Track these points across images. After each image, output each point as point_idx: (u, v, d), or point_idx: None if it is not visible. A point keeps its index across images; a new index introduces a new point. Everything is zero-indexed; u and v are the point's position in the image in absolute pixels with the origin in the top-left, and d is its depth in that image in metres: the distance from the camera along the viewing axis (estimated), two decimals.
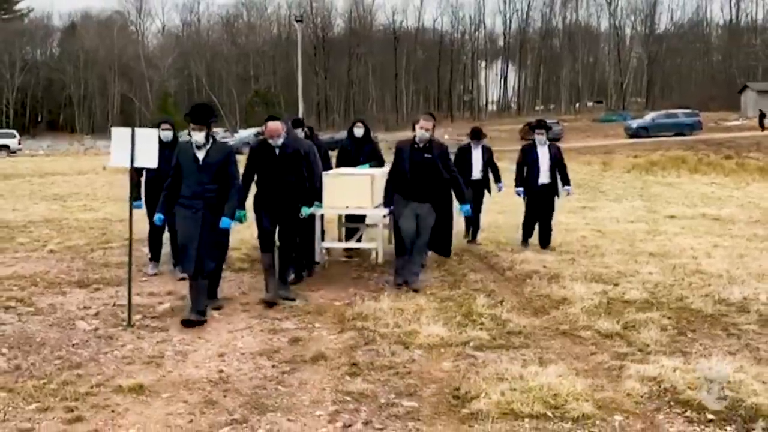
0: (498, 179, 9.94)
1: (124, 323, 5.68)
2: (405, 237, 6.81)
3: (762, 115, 42.27)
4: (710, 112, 53.51)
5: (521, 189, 9.25)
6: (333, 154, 9.06)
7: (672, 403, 3.93)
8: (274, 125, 6.33)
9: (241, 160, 6.24)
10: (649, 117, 45.75)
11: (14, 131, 47.79)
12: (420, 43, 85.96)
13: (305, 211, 6.47)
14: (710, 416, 3.72)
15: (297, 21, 50.13)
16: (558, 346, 5.07)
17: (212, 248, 5.78)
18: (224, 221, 5.71)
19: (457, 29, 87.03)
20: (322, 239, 7.57)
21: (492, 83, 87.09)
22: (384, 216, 7.34)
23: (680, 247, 9.25)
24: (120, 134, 5.73)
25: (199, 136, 5.68)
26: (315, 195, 6.63)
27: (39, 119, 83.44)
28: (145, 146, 5.59)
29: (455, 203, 7.19)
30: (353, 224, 8.57)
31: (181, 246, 5.87)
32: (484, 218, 10.17)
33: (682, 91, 73.09)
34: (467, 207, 7.18)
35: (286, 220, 6.42)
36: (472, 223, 9.64)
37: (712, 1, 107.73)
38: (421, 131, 6.76)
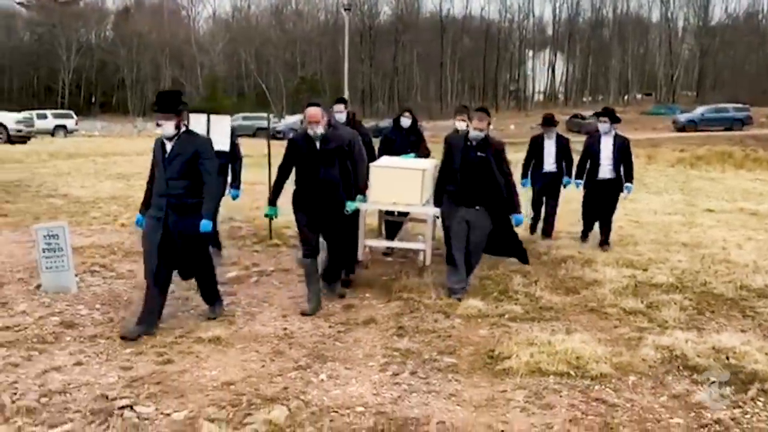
0: (569, 172, 9.08)
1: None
2: (455, 247, 6.17)
3: (597, 116, 41.41)
4: (763, 108, 52.55)
5: (580, 181, 8.79)
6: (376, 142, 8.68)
7: (681, 368, 4.48)
8: (314, 111, 5.76)
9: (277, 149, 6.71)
10: (698, 111, 45.24)
11: (72, 112, 49.55)
12: (467, 31, 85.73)
13: (350, 206, 5.87)
14: (713, 379, 4.25)
15: (345, 9, 50.59)
16: (585, 320, 5.62)
17: (183, 255, 5.18)
18: (203, 224, 5.03)
19: (505, 17, 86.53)
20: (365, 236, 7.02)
21: (539, 73, 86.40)
22: (436, 217, 6.61)
23: (713, 239, 9.62)
24: (197, 119, 6.43)
25: (167, 127, 5.09)
26: (359, 187, 6.03)
27: (93, 101, 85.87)
28: (219, 131, 6.28)
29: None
30: (395, 218, 7.97)
31: (144, 251, 5.25)
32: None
33: (734, 84, 71.51)
34: (520, 217, 6.30)
35: (331, 223, 5.84)
36: (546, 218, 9.06)
37: None
38: (475, 132, 6.14)
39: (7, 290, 6.16)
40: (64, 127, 44.06)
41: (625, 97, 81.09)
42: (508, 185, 6.16)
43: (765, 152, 29.97)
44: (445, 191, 6.30)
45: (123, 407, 3.77)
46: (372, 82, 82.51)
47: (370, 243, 7.13)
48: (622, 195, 8.60)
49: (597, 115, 8.69)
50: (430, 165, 7.14)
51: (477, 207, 6.11)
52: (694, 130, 40.25)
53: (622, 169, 8.51)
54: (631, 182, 8.56)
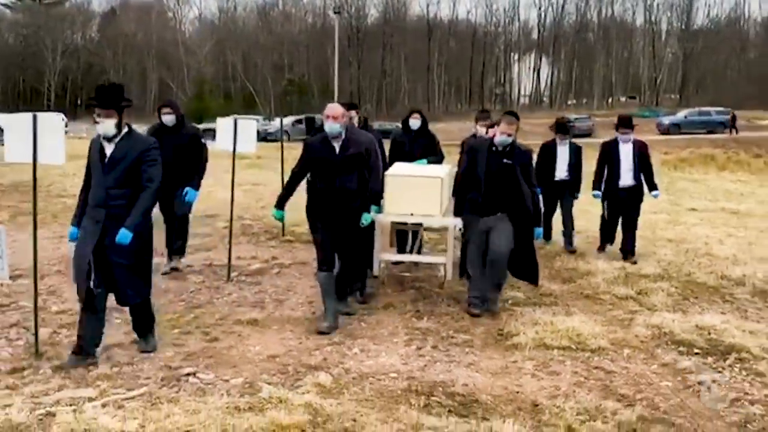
0: (579, 183, 8.67)
1: (224, 278, 6.94)
2: (470, 260, 5.89)
3: (733, 117, 42.45)
4: (745, 111, 53.66)
5: (599, 192, 8.23)
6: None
7: (668, 342, 5.11)
8: (335, 106, 5.42)
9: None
10: (681, 114, 46.19)
11: (62, 114, 49.73)
12: (453, 34, 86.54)
13: (366, 218, 5.45)
14: (696, 350, 4.88)
15: (335, 13, 51.38)
16: (581, 304, 6.22)
17: (127, 272, 4.53)
18: (121, 234, 4.35)
19: (491, 21, 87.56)
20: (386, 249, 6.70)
21: (524, 77, 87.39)
22: (458, 229, 6.16)
23: (696, 235, 10.28)
24: (224, 123, 6.98)
25: (106, 125, 4.45)
26: (375, 198, 5.64)
27: (78, 102, 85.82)
28: (245, 134, 6.83)
29: None
30: (407, 227, 7.29)
31: (73, 266, 4.63)
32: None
33: (716, 88, 72.81)
34: (540, 231, 5.99)
35: (345, 235, 5.43)
36: (565, 232, 8.68)
37: None
38: (502, 137, 5.71)
39: (50, 281, 6.68)
40: None
41: (610, 101, 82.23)
42: (532, 196, 5.79)
43: (746, 155, 30.92)
44: (466, 200, 5.89)
45: (188, 374, 4.33)
46: (360, 85, 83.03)
47: (386, 257, 6.67)
48: (649, 200, 8.24)
49: (617, 126, 8.22)
50: (447, 172, 6.71)
51: (499, 213, 5.73)
52: (677, 133, 41.13)
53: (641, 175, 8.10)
54: (656, 188, 8.24)
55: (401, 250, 7.48)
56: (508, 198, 5.72)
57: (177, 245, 7.24)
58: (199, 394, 4.00)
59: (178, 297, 6.26)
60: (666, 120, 45.57)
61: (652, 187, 8.21)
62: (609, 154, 8.13)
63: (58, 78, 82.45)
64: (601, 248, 8.50)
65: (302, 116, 46.74)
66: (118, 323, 5.39)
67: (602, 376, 4.46)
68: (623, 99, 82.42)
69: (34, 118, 4.53)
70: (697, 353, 4.90)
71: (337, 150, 5.34)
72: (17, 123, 4.54)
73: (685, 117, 44.52)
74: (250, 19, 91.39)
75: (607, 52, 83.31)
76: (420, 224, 6.91)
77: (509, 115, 5.89)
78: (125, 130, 4.54)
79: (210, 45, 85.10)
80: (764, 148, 32.86)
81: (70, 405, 3.70)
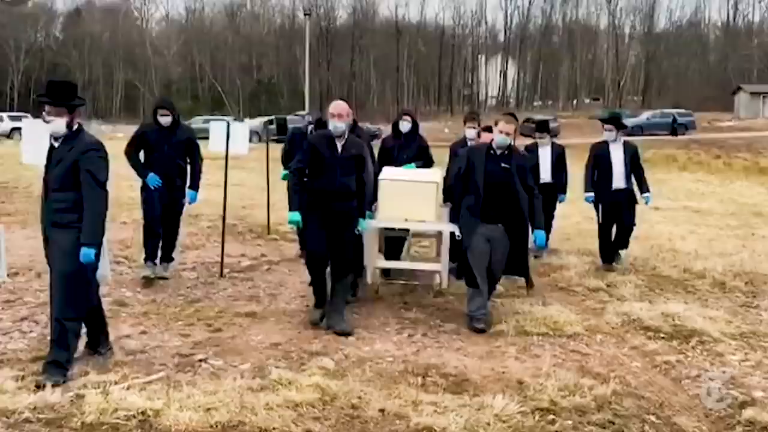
0: (565, 187, 8.41)
1: (217, 275, 7.26)
2: (477, 268, 5.56)
3: (674, 120, 43.82)
4: (705, 113, 55.15)
5: (591, 195, 7.95)
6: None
7: (637, 328, 5.61)
8: (342, 104, 5.37)
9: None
10: (644, 116, 47.33)
11: (29, 115, 49.17)
12: (422, 36, 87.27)
13: (362, 224, 5.48)
14: (662, 335, 5.37)
15: (305, 15, 51.55)
16: (557, 296, 6.69)
17: (66, 286, 4.22)
18: (83, 253, 4.12)
19: (459, 23, 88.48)
20: (378, 257, 6.60)
21: (492, 78, 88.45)
22: (457, 236, 5.80)
23: (660, 232, 10.85)
24: (217, 126, 7.31)
25: (56, 124, 4.20)
26: (368, 204, 5.71)
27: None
28: (239, 136, 7.16)
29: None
30: (396, 234, 7.08)
31: None
32: None
33: (678, 90, 74.54)
34: (542, 234, 5.79)
35: (343, 238, 5.38)
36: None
37: (710, 2, 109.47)
38: (501, 136, 5.57)
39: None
40: (19, 129, 43.74)
41: (574, 102, 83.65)
42: (531, 200, 5.66)
43: (707, 156, 31.93)
44: (462, 206, 5.73)
45: (200, 360, 4.67)
46: (330, 85, 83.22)
47: (380, 264, 6.57)
48: (641, 203, 8.00)
49: (602, 121, 8.05)
50: (440, 176, 6.57)
51: (498, 224, 5.59)
52: (640, 135, 42.18)
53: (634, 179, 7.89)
54: (649, 191, 8.01)
55: (389, 257, 7.16)
56: (506, 203, 5.55)
57: (166, 251, 7.02)
58: (213, 378, 4.35)
59: (176, 292, 6.56)
60: (629, 122, 46.57)
61: (644, 189, 7.95)
62: (600, 157, 7.87)
63: (22, 78, 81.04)
64: (606, 261, 7.90)
65: (273, 117, 46.75)
66: (123, 316, 5.70)
67: (578, 358, 4.92)
68: (587, 101, 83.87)
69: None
70: (662, 337, 5.40)
71: (340, 149, 5.31)
72: (34, 128, 4.82)
73: (648, 119, 45.65)
74: (217, 20, 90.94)
75: (571, 54, 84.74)
76: (407, 230, 6.77)
77: (508, 115, 5.80)
78: (74, 129, 4.27)
79: (177, 45, 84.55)
80: (724, 149, 33.96)
81: (97, 388, 4.01)
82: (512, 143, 5.72)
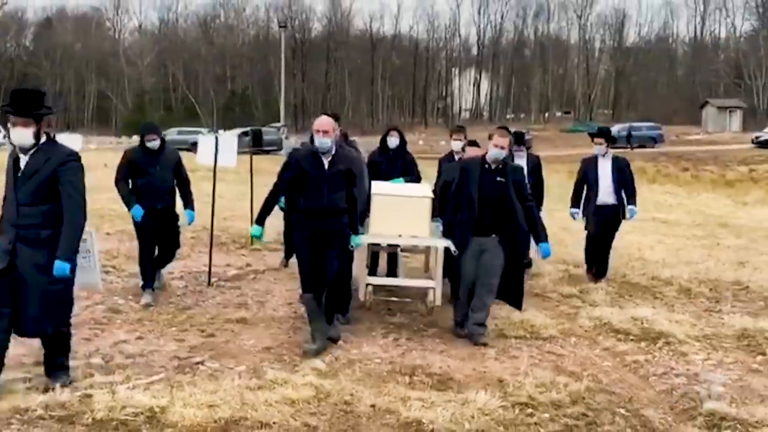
0: (541, 199, 7.80)
1: (205, 284, 7.49)
2: (465, 281, 5.64)
3: (629, 135, 44.98)
4: (673, 126, 56.40)
5: (577, 210, 7.92)
6: None
7: (608, 331, 5.98)
8: (325, 119, 5.23)
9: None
10: (614, 129, 48.19)
11: (0, 126, 48.70)
12: (396, 49, 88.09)
13: (355, 241, 5.42)
14: (631, 337, 5.73)
15: (281, 26, 51.86)
16: (533, 301, 7.00)
17: (40, 300, 4.10)
18: (58, 266, 4.01)
19: (433, 37, 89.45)
20: (369, 273, 6.59)
21: (465, 91, 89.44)
22: (453, 252, 5.69)
23: (629, 242, 11.24)
24: (206, 139, 7.56)
25: (22, 135, 4.02)
26: (361, 218, 5.67)
27: None
28: (227, 147, 7.41)
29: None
30: (386, 249, 7.20)
31: None
32: None
33: (647, 104, 76.03)
34: (547, 246, 5.66)
35: (335, 254, 5.26)
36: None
37: (678, 17, 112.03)
38: (496, 150, 5.49)
39: None
40: None
41: (546, 115, 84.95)
42: (530, 212, 5.59)
43: (675, 168, 32.75)
44: (456, 221, 5.68)
45: (197, 363, 4.91)
46: (305, 97, 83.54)
47: (371, 281, 6.51)
48: (624, 220, 7.86)
49: (591, 136, 7.99)
50: (430, 191, 6.49)
51: (493, 235, 5.54)
52: (610, 147, 42.98)
53: (623, 193, 7.73)
54: (635, 204, 7.82)
55: (372, 272, 7.18)
56: (501, 217, 5.51)
57: (160, 263, 7.01)
58: (212, 379, 4.60)
59: (167, 300, 6.78)
60: None
61: (631, 201, 7.76)
62: (588, 172, 7.79)
63: None
64: (597, 277, 7.85)
65: (248, 128, 46.80)
66: (119, 323, 5.92)
67: (554, 359, 5.25)
68: (559, 114, 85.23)
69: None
70: (632, 339, 5.77)
71: (326, 165, 5.17)
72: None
73: (618, 132, 46.51)
74: (191, 31, 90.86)
75: (543, 68, 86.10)
76: (397, 245, 6.77)
77: (502, 128, 5.74)
78: (43, 140, 4.11)
79: (151, 56, 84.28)
80: (692, 162, 34.82)
81: (103, 388, 4.24)
82: (506, 157, 5.67)
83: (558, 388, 4.52)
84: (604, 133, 7.94)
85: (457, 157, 7.31)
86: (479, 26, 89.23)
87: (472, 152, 6.48)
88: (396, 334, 5.79)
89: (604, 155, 7.78)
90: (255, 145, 28.26)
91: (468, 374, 4.83)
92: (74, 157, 4.14)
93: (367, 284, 6.38)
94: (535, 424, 4.02)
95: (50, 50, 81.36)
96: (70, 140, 5.01)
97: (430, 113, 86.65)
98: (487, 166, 5.58)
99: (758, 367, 5.20)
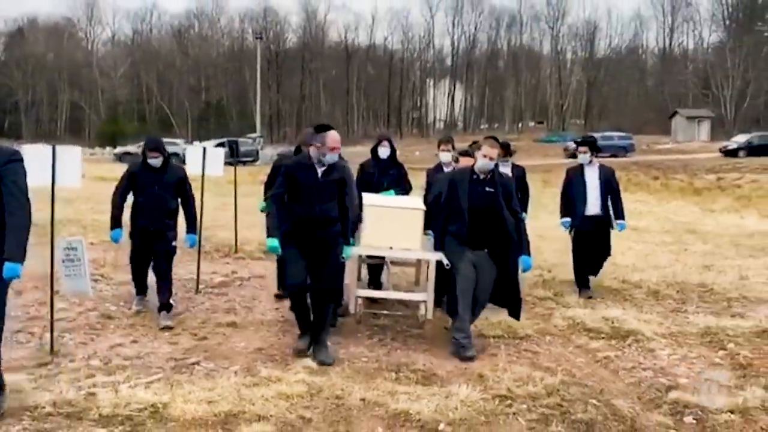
0: (525, 207, 7.58)
1: (193, 290, 7.71)
2: (464, 293, 5.50)
3: (576, 145, 45.98)
4: (644, 135, 57.54)
5: (567, 220, 7.83)
6: None
7: (581, 330, 6.32)
8: (337, 136, 5.18)
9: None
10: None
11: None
12: (371, 60, 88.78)
13: (347, 252, 5.42)
14: (602, 335, 6.08)
15: (257, 38, 52.11)
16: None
17: None
18: (9, 268, 3.88)
19: (407, 48, 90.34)
20: (358, 285, 6.54)
21: (440, 101, 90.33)
22: (446, 265, 5.65)
23: None
24: (193, 149, 7.81)
25: None
26: (351, 230, 5.61)
27: None
28: (214, 159, 7.67)
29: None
30: (374, 261, 7.13)
31: None
32: None
33: (618, 114, 77.42)
34: (529, 260, 5.67)
35: (325, 266, 5.23)
36: None
37: (647, 29, 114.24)
38: (485, 160, 5.47)
39: (34, 294, 7.28)
40: None
41: (519, 125, 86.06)
42: (517, 224, 5.58)
43: (645, 177, 33.48)
44: (447, 232, 5.66)
45: (193, 363, 5.15)
46: (280, 108, 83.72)
47: (362, 293, 6.49)
48: (615, 230, 7.86)
49: (576, 144, 7.76)
50: (420, 203, 6.46)
51: (484, 250, 5.56)
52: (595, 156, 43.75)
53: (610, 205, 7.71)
54: (623, 218, 7.85)
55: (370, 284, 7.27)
56: (492, 228, 5.49)
57: (163, 298, 6.46)
58: (209, 377, 4.84)
59: (156, 306, 6.99)
60: (572, 144, 48.39)
61: (618, 215, 7.76)
62: (573, 181, 7.77)
63: None
64: (583, 290, 7.80)
65: (224, 140, 46.90)
66: (112, 328, 6.13)
67: (530, 356, 5.58)
68: (532, 124, 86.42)
69: (54, 148, 5.29)
70: (603, 337, 6.12)
71: (320, 174, 5.19)
72: (36, 152, 5.28)
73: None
74: (165, 41, 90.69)
75: (516, 79, 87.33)
76: (382, 257, 6.77)
77: (491, 138, 5.68)
78: None
79: (124, 67, 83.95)
80: (661, 170, 35.64)
81: (105, 387, 4.47)
82: (496, 167, 5.62)
83: (534, 381, 4.83)
84: (588, 142, 7.90)
85: (446, 169, 7.19)
86: (453, 37, 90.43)
87: (464, 162, 6.42)
88: (381, 335, 6.08)
89: (589, 164, 7.76)
90: (231, 156, 28.41)
91: (450, 370, 5.13)
92: (18, 156, 4.09)
93: (358, 297, 6.34)
94: (514, 414, 4.33)
95: (22, 60, 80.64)
96: (69, 153, 5.03)
97: (404, 123, 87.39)
98: (475, 176, 5.56)
99: (720, 361, 5.58)
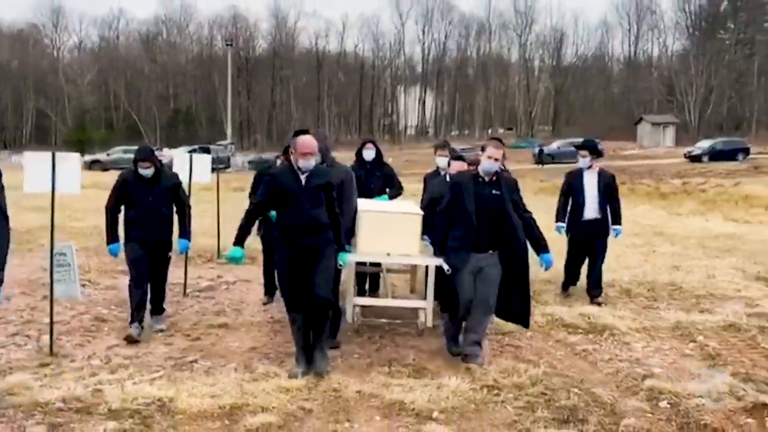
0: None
1: (181, 294, 7.87)
2: (464, 299, 5.36)
3: (540, 151, 47.13)
4: (610, 141, 58.57)
5: (562, 224, 7.82)
6: None
7: (559, 326, 6.64)
8: (309, 141, 4.97)
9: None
10: (554, 145, 49.92)
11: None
12: (342, 67, 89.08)
13: (343, 258, 5.19)
14: (580, 330, 6.40)
15: (227, 44, 52.05)
16: None
17: None
18: None
19: (378, 55, 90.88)
20: (358, 293, 6.47)
21: (411, 108, 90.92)
22: (446, 271, 5.44)
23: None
24: (180, 155, 7.98)
25: None
26: (347, 235, 5.47)
27: None
28: (201, 165, 7.85)
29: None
30: (370, 269, 7.16)
31: None
32: None
33: (585, 120, 78.64)
34: (549, 257, 5.59)
35: (317, 274, 5.00)
36: None
37: (613, 37, 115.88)
38: (489, 162, 5.31)
39: (24, 299, 7.38)
40: None
41: (489, 132, 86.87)
42: (529, 224, 5.46)
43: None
44: (449, 237, 5.45)
45: (191, 361, 5.34)
46: (250, 115, 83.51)
47: (360, 302, 6.34)
48: (611, 235, 7.79)
49: (577, 148, 7.81)
50: (417, 207, 6.40)
51: (490, 251, 5.38)
52: (551, 163, 44.53)
53: (608, 208, 7.68)
54: (620, 224, 7.83)
55: (362, 292, 7.27)
56: (500, 231, 5.34)
57: (156, 303, 6.56)
58: (209, 374, 5.05)
59: (147, 310, 7.14)
60: (547, 150, 49.17)
61: (615, 220, 7.73)
62: (573, 185, 7.73)
63: None
64: (564, 289, 8.01)
65: (195, 146, 46.75)
66: (107, 330, 6.29)
67: (513, 350, 5.88)
68: (501, 130, 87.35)
69: (53, 155, 5.45)
70: (581, 332, 6.45)
71: (304, 181, 5.01)
72: (36, 159, 5.43)
73: (558, 148, 48.21)
74: (133, 48, 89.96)
75: (485, 86, 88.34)
76: (379, 264, 6.70)
77: (495, 140, 5.53)
78: None
79: (91, 74, 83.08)
80: (628, 176, 36.39)
81: (111, 384, 4.65)
82: (500, 168, 5.49)
83: (519, 373, 5.12)
84: (588, 146, 7.79)
85: (443, 173, 7.08)
86: (423, 45, 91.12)
87: (456, 166, 6.36)
88: (369, 333, 6.32)
89: (588, 168, 7.72)
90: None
91: (439, 364, 5.40)
92: None
93: (355, 305, 6.16)
94: (502, 401, 4.61)
95: None
96: (68, 160, 5.11)
97: (376, 129, 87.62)
98: (480, 179, 5.40)
99: (690, 352, 5.93)
